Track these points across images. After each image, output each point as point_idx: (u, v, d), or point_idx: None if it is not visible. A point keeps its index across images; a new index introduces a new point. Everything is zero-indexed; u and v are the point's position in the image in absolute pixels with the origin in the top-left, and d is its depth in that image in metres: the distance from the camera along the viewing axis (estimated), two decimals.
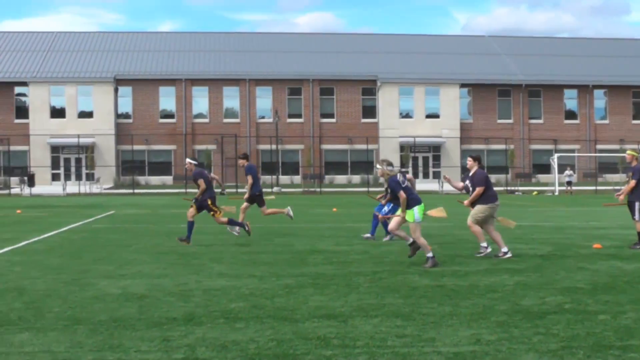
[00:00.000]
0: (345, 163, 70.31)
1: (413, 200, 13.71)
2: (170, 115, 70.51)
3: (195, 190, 18.84)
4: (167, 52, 74.73)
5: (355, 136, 69.59)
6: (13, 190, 57.62)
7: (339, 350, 7.59)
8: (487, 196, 15.00)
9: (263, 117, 70.77)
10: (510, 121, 72.62)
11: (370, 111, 71.60)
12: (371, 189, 53.99)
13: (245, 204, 20.33)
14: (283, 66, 72.40)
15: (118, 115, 69.79)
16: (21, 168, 66.15)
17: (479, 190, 14.89)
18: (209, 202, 17.98)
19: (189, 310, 9.54)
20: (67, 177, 67.11)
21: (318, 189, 57.74)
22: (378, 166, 14.07)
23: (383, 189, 20.10)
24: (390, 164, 14.14)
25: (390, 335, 8.21)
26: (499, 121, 72.30)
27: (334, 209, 33.43)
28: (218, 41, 78.16)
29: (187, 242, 17.58)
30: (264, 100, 71.06)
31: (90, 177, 65.54)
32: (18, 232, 21.60)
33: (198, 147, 69.49)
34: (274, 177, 65.71)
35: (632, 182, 16.62)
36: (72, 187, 60.08)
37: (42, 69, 70.47)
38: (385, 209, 18.36)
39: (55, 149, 68.25)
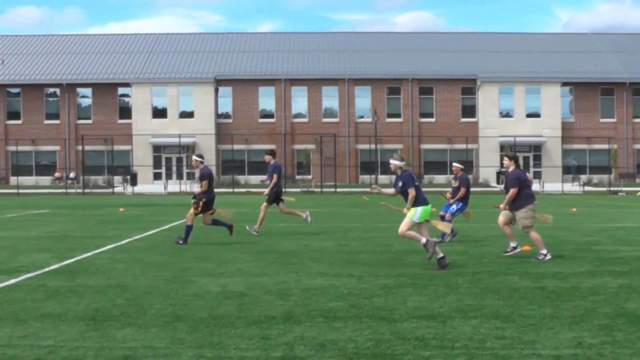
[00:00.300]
0: (444, 163, 69.68)
1: (421, 200, 13.52)
2: (270, 115, 71.04)
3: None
4: (266, 52, 75.35)
5: (455, 136, 69.02)
6: (116, 189, 58.87)
7: (438, 351, 7.51)
8: (526, 197, 14.71)
9: (362, 117, 70.70)
10: (614, 120, 70.95)
11: (469, 110, 70.88)
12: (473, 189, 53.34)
13: (265, 204, 20.44)
14: (382, 66, 72.24)
15: (218, 115, 70.65)
16: (124, 167, 67.59)
17: (512, 192, 14.58)
18: (204, 201, 18.12)
19: (287, 308, 9.56)
20: (169, 176, 68.27)
21: None
22: (391, 161, 13.78)
23: (474, 188, 19.85)
24: (402, 158, 13.90)
25: (489, 336, 8.08)
26: (602, 120, 70.71)
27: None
28: (317, 41, 78.44)
29: (184, 242, 17.68)
30: (363, 100, 70.99)
31: (191, 176, 66.47)
32: (121, 230, 22.04)
33: (297, 146, 69.85)
34: (373, 176, 65.63)
35: None
36: (173, 186, 61.07)
37: (144, 70, 71.81)
38: (454, 207, 18.24)
39: (157, 148, 69.43)
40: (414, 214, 13.44)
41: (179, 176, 67.26)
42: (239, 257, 15.08)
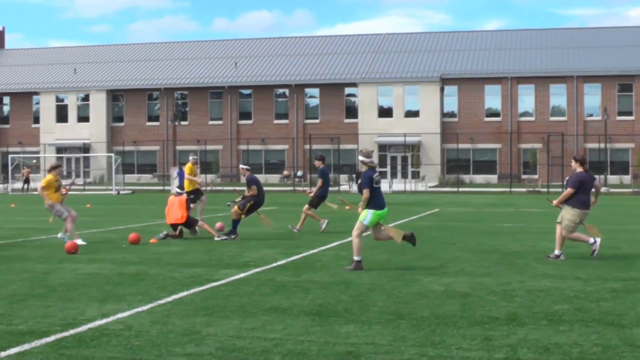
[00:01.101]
0: None
1: (375, 204, 13.12)
2: (496, 114, 70.08)
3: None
4: (492, 50, 74.40)
5: None
6: (342, 187, 59.87)
7: None
8: (578, 200, 14.62)
9: (591, 115, 68.41)
10: None
11: None
12: None
13: (307, 206, 21.34)
14: (613, 62, 69.58)
15: (444, 114, 70.47)
16: (350, 165, 68.63)
17: (567, 191, 14.61)
18: (251, 204, 19.35)
19: (511, 310, 9.40)
20: (393, 174, 68.77)
21: None
22: (359, 157, 13.44)
23: None
24: (368, 154, 13.37)
25: None
26: None
27: None
28: (544, 38, 76.62)
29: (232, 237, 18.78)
30: (592, 98, 68.65)
31: (415, 175, 66.65)
32: (346, 227, 22.34)
33: (523, 145, 68.54)
34: (602, 176, 63.43)
35: None
36: (398, 184, 61.41)
37: (370, 70, 72.67)
38: None
39: (382, 147, 70.06)
40: (365, 216, 13.16)
41: (404, 175, 67.57)
42: (462, 256, 14.99)
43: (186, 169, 22.71)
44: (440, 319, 8.83)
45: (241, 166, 20.39)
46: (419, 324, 8.59)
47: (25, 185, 57.18)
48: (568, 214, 14.66)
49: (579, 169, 14.86)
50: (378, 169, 13.03)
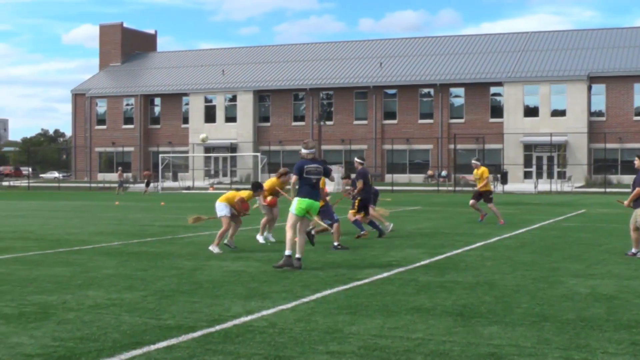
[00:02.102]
0: None
1: (300, 192, 13.37)
2: None
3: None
4: None
5: None
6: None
7: None
8: None
9: None
10: None
11: None
12: None
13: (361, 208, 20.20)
14: None
15: (591, 113, 68.76)
16: (495, 165, 67.78)
17: (637, 190, 14.46)
18: (359, 201, 19.14)
19: None
20: (539, 175, 67.58)
21: None
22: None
23: None
24: (307, 146, 13.60)
25: None
26: None
27: None
28: None
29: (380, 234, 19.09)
30: None
31: (561, 176, 65.30)
32: (490, 228, 22.16)
33: None
34: None
35: None
36: (544, 185, 60.34)
37: (516, 69, 71.60)
38: None
39: (527, 147, 68.98)
40: (291, 205, 13.33)
41: (550, 175, 66.30)
42: (609, 259, 14.62)
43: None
44: (585, 322, 8.65)
45: (356, 159, 20.15)
46: (564, 326, 8.44)
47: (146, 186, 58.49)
48: (637, 211, 14.61)
49: None
50: (325, 163, 13.26)
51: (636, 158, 15.23)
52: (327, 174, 13.78)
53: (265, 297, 10.32)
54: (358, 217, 19.27)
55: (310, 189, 13.41)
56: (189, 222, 17.73)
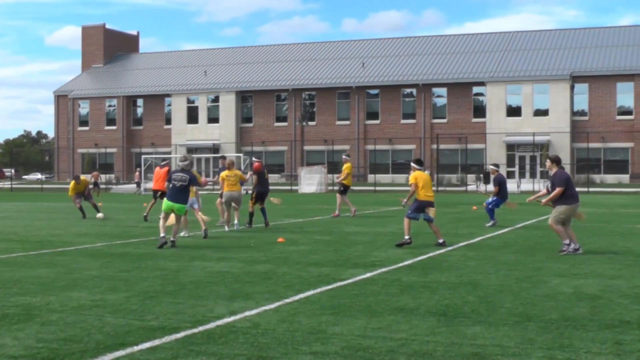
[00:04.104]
0: None
1: (167, 194, 17.28)
2: (628, 112, 68.22)
3: None
4: (625, 46, 72.35)
5: None
6: (469, 187, 59.36)
7: None
8: (568, 196, 15.41)
9: None
10: None
11: None
12: None
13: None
14: None
15: (574, 113, 69.02)
16: (477, 165, 68.01)
17: (558, 190, 15.30)
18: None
19: None
20: (522, 174, 67.76)
21: None
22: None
23: None
24: (182, 159, 17.48)
25: None
26: None
27: None
28: None
29: None
30: None
31: (544, 175, 65.40)
32: (473, 227, 22.22)
33: None
34: None
35: None
36: (526, 184, 60.50)
37: (499, 69, 71.79)
38: None
39: (510, 146, 69.18)
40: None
41: (532, 175, 66.53)
42: (593, 258, 14.67)
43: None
44: (569, 322, 8.68)
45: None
46: (547, 326, 8.46)
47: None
48: (558, 208, 15.55)
49: (555, 168, 15.83)
50: (191, 174, 17.44)
51: (547, 160, 16.11)
52: (192, 183, 17.18)
53: (248, 297, 10.31)
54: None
55: (173, 192, 16.97)
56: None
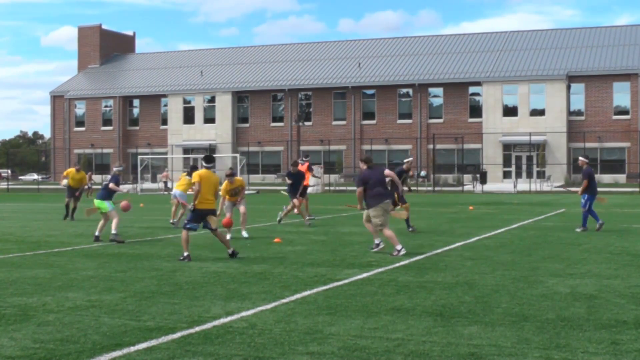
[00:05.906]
0: None
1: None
2: (624, 112, 68.25)
3: None
4: (621, 46, 72.37)
5: None
6: (466, 187, 59.37)
7: None
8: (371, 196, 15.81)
9: None
10: None
11: None
12: None
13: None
14: None
15: (570, 113, 69.06)
16: (474, 165, 68.03)
17: (358, 191, 16.04)
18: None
19: None
20: (518, 174, 67.79)
21: None
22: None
23: None
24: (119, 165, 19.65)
25: None
26: None
27: None
28: None
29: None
30: None
31: (540, 175, 65.58)
32: (470, 227, 22.23)
33: None
34: None
35: None
36: (523, 184, 60.51)
37: (495, 69, 71.80)
38: None
39: (507, 147, 69.19)
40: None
41: (529, 175, 66.54)
42: (589, 258, 14.68)
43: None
44: (565, 322, 8.68)
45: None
46: (544, 326, 8.46)
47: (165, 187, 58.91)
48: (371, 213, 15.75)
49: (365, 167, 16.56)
50: (124, 172, 19.27)
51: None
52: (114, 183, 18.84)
53: (244, 298, 10.31)
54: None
55: (100, 192, 19.03)
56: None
